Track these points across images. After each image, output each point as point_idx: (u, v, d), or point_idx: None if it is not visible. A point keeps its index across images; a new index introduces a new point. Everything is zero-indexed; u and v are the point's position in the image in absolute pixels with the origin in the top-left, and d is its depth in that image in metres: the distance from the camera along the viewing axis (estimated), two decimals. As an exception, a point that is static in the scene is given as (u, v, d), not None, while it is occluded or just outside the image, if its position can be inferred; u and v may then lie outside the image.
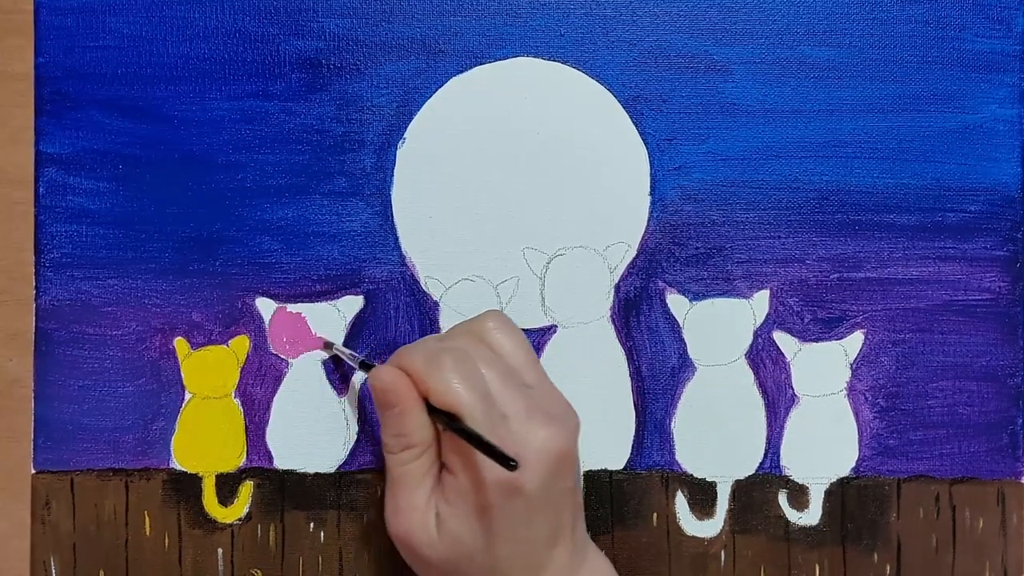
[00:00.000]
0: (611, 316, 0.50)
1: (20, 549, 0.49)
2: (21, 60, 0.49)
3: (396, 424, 0.43)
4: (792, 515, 0.50)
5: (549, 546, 0.43)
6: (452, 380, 0.41)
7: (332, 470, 0.49)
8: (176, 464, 0.49)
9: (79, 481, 0.49)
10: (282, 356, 0.49)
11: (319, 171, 0.49)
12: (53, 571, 0.49)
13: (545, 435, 0.42)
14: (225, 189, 0.49)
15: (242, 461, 0.49)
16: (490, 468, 0.41)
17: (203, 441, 0.49)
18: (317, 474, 0.49)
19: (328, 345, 0.49)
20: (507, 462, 0.39)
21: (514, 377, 0.44)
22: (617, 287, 0.50)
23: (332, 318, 0.49)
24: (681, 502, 0.50)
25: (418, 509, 0.43)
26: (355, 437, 0.49)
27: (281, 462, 0.49)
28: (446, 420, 0.42)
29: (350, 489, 0.49)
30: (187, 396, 0.49)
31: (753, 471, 0.50)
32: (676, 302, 0.50)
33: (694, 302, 0.50)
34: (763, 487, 0.50)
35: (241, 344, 0.49)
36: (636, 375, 0.50)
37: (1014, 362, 0.50)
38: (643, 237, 0.50)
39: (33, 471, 0.49)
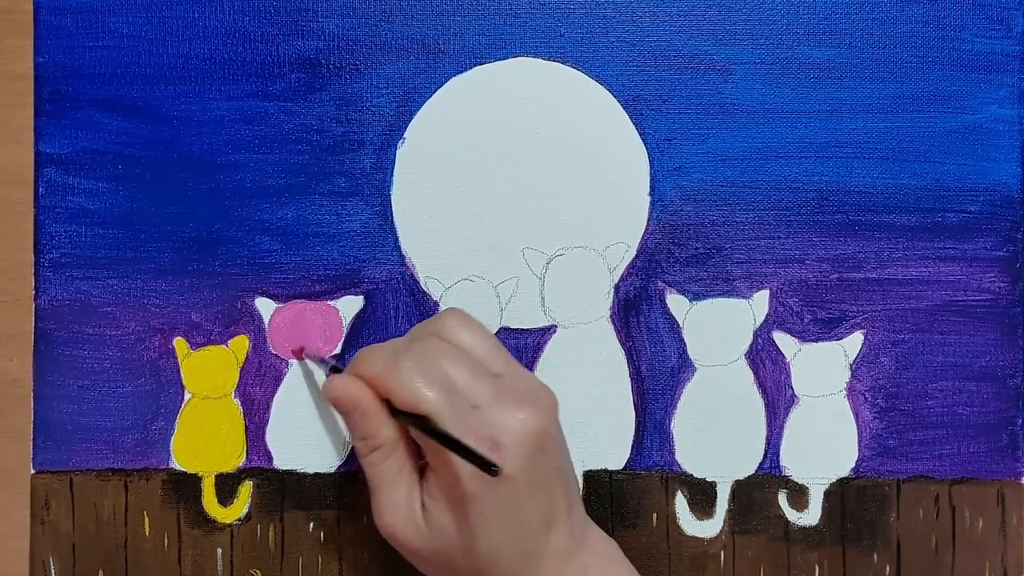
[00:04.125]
0: (611, 316, 0.50)
1: (20, 549, 0.49)
2: (21, 60, 0.49)
3: (359, 428, 0.43)
4: (792, 515, 0.50)
5: (544, 531, 0.42)
6: (413, 380, 0.41)
7: (332, 470, 0.49)
8: (175, 464, 0.49)
9: (78, 481, 0.49)
10: (282, 356, 0.49)
11: (319, 171, 0.49)
12: (52, 571, 0.49)
13: (521, 417, 0.41)
14: (225, 189, 0.49)
15: (242, 461, 0.49)
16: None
17: (203, 441, 0.49)
18: (317, 474, 0.49)
19: (300, 351, 0.49)
20: (488, 467, 0.38)
21: (481, 368, 0.43)
22: (617, 287, 0.50)
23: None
24: (681, 502, 0.50)
25: (400, 506, 0.43)
26: (355, 437, 0.49)
27: (281, 462, 0.49)
28: (417, 423, 0.41)
29: (350, 489, 0.49)
30: (187, 396, 0.49)
31: (753, 471, 0.50)
32: (676, 302, 0.50)
33: (694, 302, 0.50)
34: (763, 487, 0.50)
35: (241, 344, 0.49)
36: (636, 375, 0.50)
37: (1014, 362, 0.50)
38: (643, 237, 0.50)
39: (33, 471, 0.49)
